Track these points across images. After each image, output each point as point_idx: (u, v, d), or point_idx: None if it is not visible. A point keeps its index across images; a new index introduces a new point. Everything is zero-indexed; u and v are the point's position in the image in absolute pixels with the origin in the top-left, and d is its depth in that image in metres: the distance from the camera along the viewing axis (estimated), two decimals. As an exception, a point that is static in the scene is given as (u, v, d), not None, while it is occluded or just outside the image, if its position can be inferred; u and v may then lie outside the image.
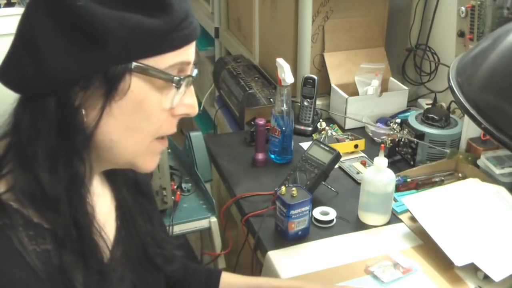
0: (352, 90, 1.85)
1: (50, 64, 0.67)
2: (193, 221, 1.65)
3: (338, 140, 1.64)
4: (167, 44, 0.70)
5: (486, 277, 1.15)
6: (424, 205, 1.33)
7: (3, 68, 0.71)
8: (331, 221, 1.34)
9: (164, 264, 0.94)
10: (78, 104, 0.69)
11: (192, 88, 0.76)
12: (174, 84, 0.72)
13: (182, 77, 0.73)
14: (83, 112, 0.69)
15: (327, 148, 1.43)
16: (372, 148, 1.67)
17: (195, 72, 0.77)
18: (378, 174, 1.31)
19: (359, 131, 1.75)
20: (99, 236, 0.77)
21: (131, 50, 0.68)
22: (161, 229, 0.99)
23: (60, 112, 0.69)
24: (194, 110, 0.77)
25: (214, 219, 1.73)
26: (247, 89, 1.88)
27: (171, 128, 0.77)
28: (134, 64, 0.69)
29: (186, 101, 0.76)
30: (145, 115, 0.72)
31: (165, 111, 0.74)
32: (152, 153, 0.78)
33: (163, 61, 0.71)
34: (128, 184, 0.91)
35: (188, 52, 0.74)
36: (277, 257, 1.24)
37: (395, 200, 1.40)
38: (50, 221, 0.71)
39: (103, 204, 0.85)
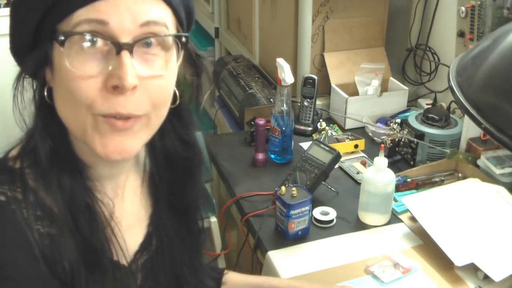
0: (352, 90, 1.85)
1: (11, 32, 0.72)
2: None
3: (338, 140, 1.64)
4: (67, 2, 0.65)
5: (486, 277, 1.15)
6: (424, 205, 1.33)
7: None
8: (331, 221, 1.34)
9: None
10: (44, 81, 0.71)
11: (122, 56, 0.65)
12: (57, 43, 0.65)
13: (61, 32, 0.65)
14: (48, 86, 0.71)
15: (327, 148, 1.43)
16: (372, 148, 1.67)
17: (126, 40, 0.65)
18: (378, 174, 1.31)
19: (359, 131, 1.75)
20: (111, 232, 0.76)
21: (35, 12, 0.67)
22: (199, 256, 0.95)
23: (36, 87, 0.72)
24: (123, 80, 0.64)
25: (214, 219, 1.73)
26: (247, 89, 1.88)
27: (106, 105, 0.66)
28: (45, 28, 0.67)
29: (115, 71, 0.65)
30: (65, 83, 0.66)
31: (83, 79, 0.65)
32: (101, 133, 0.68)
33: (71, 22, 0.65)
34: (169, 200, 0.87)
35: (100, 9, 0.64)
36: (277, 257, 1.24)
37: (395, 200, 1.40)
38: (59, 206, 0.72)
39: (134, 205, 0.84)
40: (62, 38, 0.64)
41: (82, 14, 0.64)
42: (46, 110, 0.72)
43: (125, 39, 0.65)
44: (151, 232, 0.86)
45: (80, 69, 0.65)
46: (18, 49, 0.73)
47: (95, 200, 0.75)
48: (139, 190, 0.86)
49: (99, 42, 0.65)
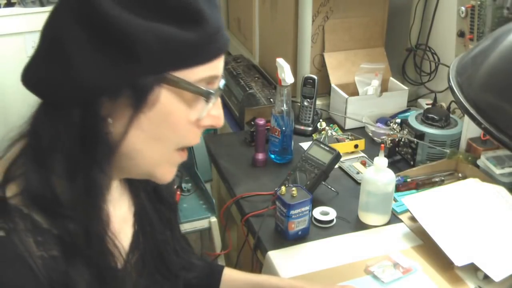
0: (352, 90, 1.85)
1: (80, 74, 0.65)
2: (193, 221, 1.65)
3: (338, 140, 1.64)
4: (199, 57, 0.70)
5: (486, 277, 1.15)
6: (424, 205, 1.33)
7: (27, 72, 0.70)
8: (331, 221, 1.34)
9: (181, 272, 0.94)
10: (104, 114, 0.68)
11: (219, 100, 0.75)
12: (204, 98, 0.72)
13: (213, 91, 0.72)
14: (109, 122, 0.69)
15: (327, 148, 1.43)
16: (372, 148, 1.67)
17: (222, 83, 0.75)
18: (378, 174, 1.31)
19: (359, 131, 1.75)
20: (113, 245, 0.76)
21: (163, 62, 0.67)
22: (182, 238, 0.98)
23: (85, 121, 0.68)
24: (220, 121, 0.76)
25: (214, 219, 1.73)
26: (247, 89, 1.88)
27: (196, 139, 0.76)
28: (165, 76, 0.68)
29: (213, 113, 0.75)
30: (171, 127, 0.72)
31: (191, 123, 0.73)
32: (171, 164, 0.77)
33: (194, 74, 0.70)
34: (147, 190, 0.90)
35: (218, 66, 0.73)
36: (277, 257, 1.24)
37: (395, 200, 1.40)
38: (61, 228, 0.70)
39: (120, 209, 0.84)
40: (209, 92, 0.71)
41: (206, 70, 0.70)
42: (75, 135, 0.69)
43: None
44: (138, 230, 0.87)
45: (193, 115, 0.72)
46: (92, 83, 0.67)
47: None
48: (119, 190, 0.86)
49: None
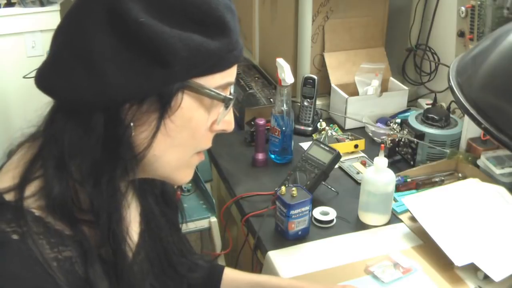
0: (352, 90, 1.85)
1: (108, 80, 0.66)
2: (193, 221, 1.65)
3: (338, 140, 1.64)
4: (220, 65, 0.72)
5: (486, 277, 1.15)
6: (424, 205, 1.33)
7: (42, 75, 0.70)
8: (331, 221, 1.34)
9: (187, 272, 0.95)
10: (128, 119, 0.69)
11: (230, 108, 0.77)
12: (223, 103, 0.74)
13: (231, 96, 0.74)
14: (133, 127, 0.69)
15: (327, 148, 1.43)
16: (372, 148, 1.67)
17: (233, 88, 0.79)
18: (378, 174, 1.31)
19: (359, 131, 1.75)
20: (127, 246, 0.76)
21: (190, 69, 0.69)
22: (180, 233, 0.99)
23: (109, 127, 0.68)
24: (232, 126, 0.79)
25: (214, 219, 1.73)
26: (247, 89, 1.88)
27: (208, 143, 0.78)
28: (188, 82, 0.69)
29: (226, 118, 0.77)
30: (191, 132, 0.73)
31: (207, 128, 0.76)
32: (189, 167, 0.79)
33: (213, 81, 0.72)
34: (155, 194, 0.91)
35: (233, 72, 0.75)
36: (277, 257, 1.24)
37: (395, 200, 1.40)
38: (79, 232, 0.71)
39: (131, 206, 0.84)
40: (228, 98, 0.73)
41: (224, 77, 0.73)
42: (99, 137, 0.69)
43: None
44: (144, 230, 0.87)
45: (210, 120, 0.75)
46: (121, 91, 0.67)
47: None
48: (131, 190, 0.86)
49: None
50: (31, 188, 0.70)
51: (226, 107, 0.74)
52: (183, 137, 0.73)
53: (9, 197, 0.69)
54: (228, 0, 0.72)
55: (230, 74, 0.74)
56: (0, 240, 0.66)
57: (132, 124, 0.69)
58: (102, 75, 0.66)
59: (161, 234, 0.90)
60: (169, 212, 0.94)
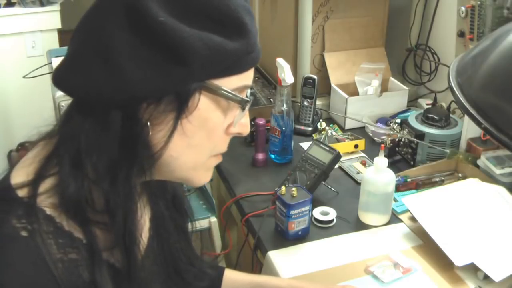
0: (352, 90, 1.85)
1: (126, 77, 0.66)
2: (193, 221, 1.64)
3: (338, 140, 1.64)
4: (238, 67, 0.72)
5: (486, 277, 1.15)
6: (424, 205, 1.33)
7: (59, 73, 0.70)
8: (331, 221, 1.34)
9: (193, 280, 0.94)
10: (145, 118, 0.69)
11: (246, 111, 0.77)
12: (240, 106, 0.74)
13: (248, 99, 0.74)
14: (150, 127, 0.69)
15: (327, 148, 1.43)
16: (372, 148, 1.67)
17: (249, 92, 0.79)
18: (378, 174, 1.31)
19: (359, 131, 1.75)
20: (139, 248, 0.76)
21: (209, 69, 0.69)
22: (189, 241, 0.99)
23: (126, 126, 0.68)
24: (247, 129, 0.79)
25: (214, 219, 1.73)
26: (247, 89, 1.88)
27: (225, 146, 0.78)
28: (206, 83, 0.69)
29: (242, 121, 0.77)
30: (207, 133, 0.73)
31: (223, 130, 0.75)
32: (207, 169, 0.79)
33: (230, 83, 0.72)
34: (166, 198, 0.90)
35: (251, 76, 0.75)
36: (277, 257, 1.24)
37: (395, 200, 1.40)
38: (89, 232, 0.70)
39: (142, 210, 0.84)
40: (244, 100, 0.73)
41: (241, 79, 0.73)
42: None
43: None
44: (153, 235, 0.87)
45: (226, 122, 0.75)
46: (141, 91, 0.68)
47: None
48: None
49: None
50: (45, 185, 0.70)
51: (243, 109, 0.74)
52: (200, 138, 0.73)
53: (22, 193, 0.69)
54: (246, 3, 0.71)
55: (247, 77, 0.74)
56: (9, 236, 0.66)
57: (149, 123, 0.69)
58: (120, 72, 0.66)
59: (169, 240, 0.90)
60: (179, 218, 0.93)
